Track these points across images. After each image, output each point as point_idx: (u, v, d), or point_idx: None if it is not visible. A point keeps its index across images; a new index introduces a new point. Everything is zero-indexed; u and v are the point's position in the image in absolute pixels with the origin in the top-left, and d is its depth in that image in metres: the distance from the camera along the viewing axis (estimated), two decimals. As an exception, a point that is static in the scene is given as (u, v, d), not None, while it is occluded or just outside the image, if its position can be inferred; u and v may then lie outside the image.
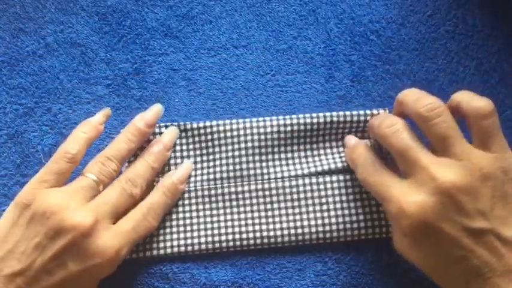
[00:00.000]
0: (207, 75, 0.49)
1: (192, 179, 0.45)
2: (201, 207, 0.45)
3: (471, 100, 0.38)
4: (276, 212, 0.44)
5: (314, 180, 0.45)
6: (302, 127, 0.46)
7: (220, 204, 0.45)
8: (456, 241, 0.34)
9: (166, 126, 0.46)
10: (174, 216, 0.44)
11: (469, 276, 0.35)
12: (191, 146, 0.46)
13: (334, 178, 0.45)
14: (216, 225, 0.44)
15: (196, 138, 0.46)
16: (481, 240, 0.34)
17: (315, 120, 0.46)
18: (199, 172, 0.45)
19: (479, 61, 0.50)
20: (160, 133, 0.46)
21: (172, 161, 0.46)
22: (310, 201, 0.45)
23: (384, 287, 0.44)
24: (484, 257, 0.34)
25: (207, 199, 0.45)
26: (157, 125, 0.46)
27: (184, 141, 0.46)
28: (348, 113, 0.46)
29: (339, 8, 0.52)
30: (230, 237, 0.44)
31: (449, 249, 0.35)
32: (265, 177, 0.45)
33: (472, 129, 0.38)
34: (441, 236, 0.35)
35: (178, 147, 0.46)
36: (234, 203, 0.45)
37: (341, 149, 0.46)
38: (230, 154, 0.45)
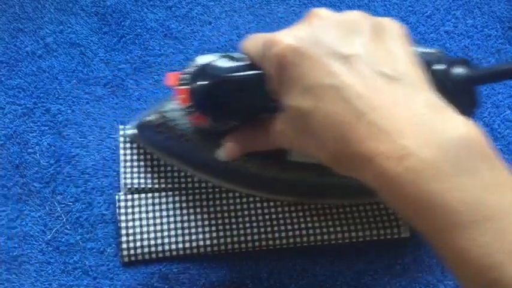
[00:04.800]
0: (206, 76, 0.49)
1: (176, 179, 0.45)
2: (199, 210, 0.45)
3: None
4: (274, 216, 0.45)
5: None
6: None
7: (218, 208, 0.45)
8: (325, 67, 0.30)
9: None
10: (171, 219, 0.44)
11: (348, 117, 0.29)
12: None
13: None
14: (214, 228, 0.44)
15: None
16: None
17: None
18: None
19: (479, 61, 0.50)
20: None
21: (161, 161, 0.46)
22: (306, 206, 0.45)
23: (384, 287, 0.44)
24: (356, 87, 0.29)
25: (205, 203, 0.45)
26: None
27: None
28: None
29: (338, 9, 0.52)
30: (229, 240, 0.44)
31: (319, 77, 0.30)
32: None
33: None
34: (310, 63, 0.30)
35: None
36: (228, 207, 0.45)
37: None
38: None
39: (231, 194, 0.45)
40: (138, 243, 0.43)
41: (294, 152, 0.41)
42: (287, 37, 0.32)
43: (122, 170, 0.45)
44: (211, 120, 0.38)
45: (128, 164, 0.45)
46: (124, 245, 0.43)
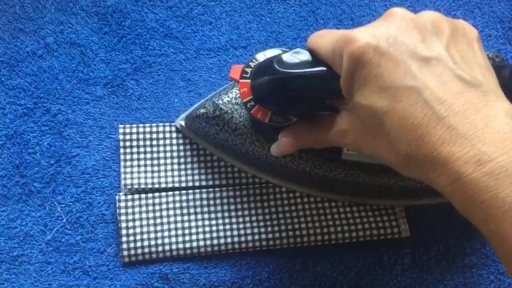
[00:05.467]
0: (206, 76, 0.49)
1: (176, 178, 0.45)
2: (199, 210, 0.45)
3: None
4: (274, 216, 0.45)
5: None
6: None
7: (219, 208, 0.45)
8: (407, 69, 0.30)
9: (164, 126, 0.46)
10: (172, 219, 0.44)
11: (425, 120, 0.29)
12: (187, 147, 0.46)
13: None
14: (214, 228, 0.44)
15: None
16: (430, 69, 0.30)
17: None
18: (182, 173, 0.46)
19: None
20: (164, 131, 0.46)
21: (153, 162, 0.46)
22: (307, 206, 0.45)
23: (383, 287, 0.44)
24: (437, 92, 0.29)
25: (205, 202, 0.45)
26: (156, 124, 0.46)
27: (181, 141, 0.46)
28: None
29: (338, 8, 0.52)
30: (229, 240, 0.44)
31: (399, 78, 0.30)
32: (250, 180, 0.46)
33: None
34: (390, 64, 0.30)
35: (168, 147, 0.46)
36: (228, 206, 0.45)
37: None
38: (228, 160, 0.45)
39: (231, 193, 0.45)
40: (138, 243, 0.43)
41: (347, 151, 0.41)
42: (365, 35, 0.31)
43: (122, 170, 0.45)
44: (271, 115, 0.38)
45: (128, 164, 0.45)
46: (124, 245, 0.43)
